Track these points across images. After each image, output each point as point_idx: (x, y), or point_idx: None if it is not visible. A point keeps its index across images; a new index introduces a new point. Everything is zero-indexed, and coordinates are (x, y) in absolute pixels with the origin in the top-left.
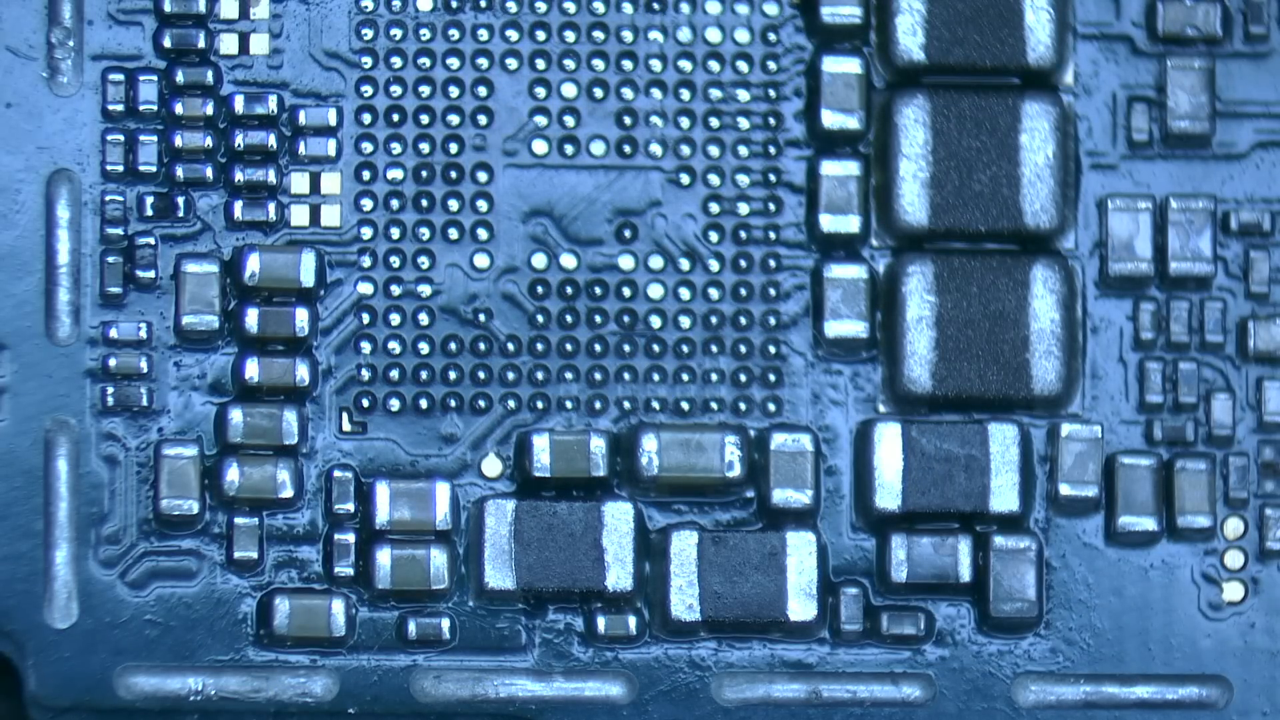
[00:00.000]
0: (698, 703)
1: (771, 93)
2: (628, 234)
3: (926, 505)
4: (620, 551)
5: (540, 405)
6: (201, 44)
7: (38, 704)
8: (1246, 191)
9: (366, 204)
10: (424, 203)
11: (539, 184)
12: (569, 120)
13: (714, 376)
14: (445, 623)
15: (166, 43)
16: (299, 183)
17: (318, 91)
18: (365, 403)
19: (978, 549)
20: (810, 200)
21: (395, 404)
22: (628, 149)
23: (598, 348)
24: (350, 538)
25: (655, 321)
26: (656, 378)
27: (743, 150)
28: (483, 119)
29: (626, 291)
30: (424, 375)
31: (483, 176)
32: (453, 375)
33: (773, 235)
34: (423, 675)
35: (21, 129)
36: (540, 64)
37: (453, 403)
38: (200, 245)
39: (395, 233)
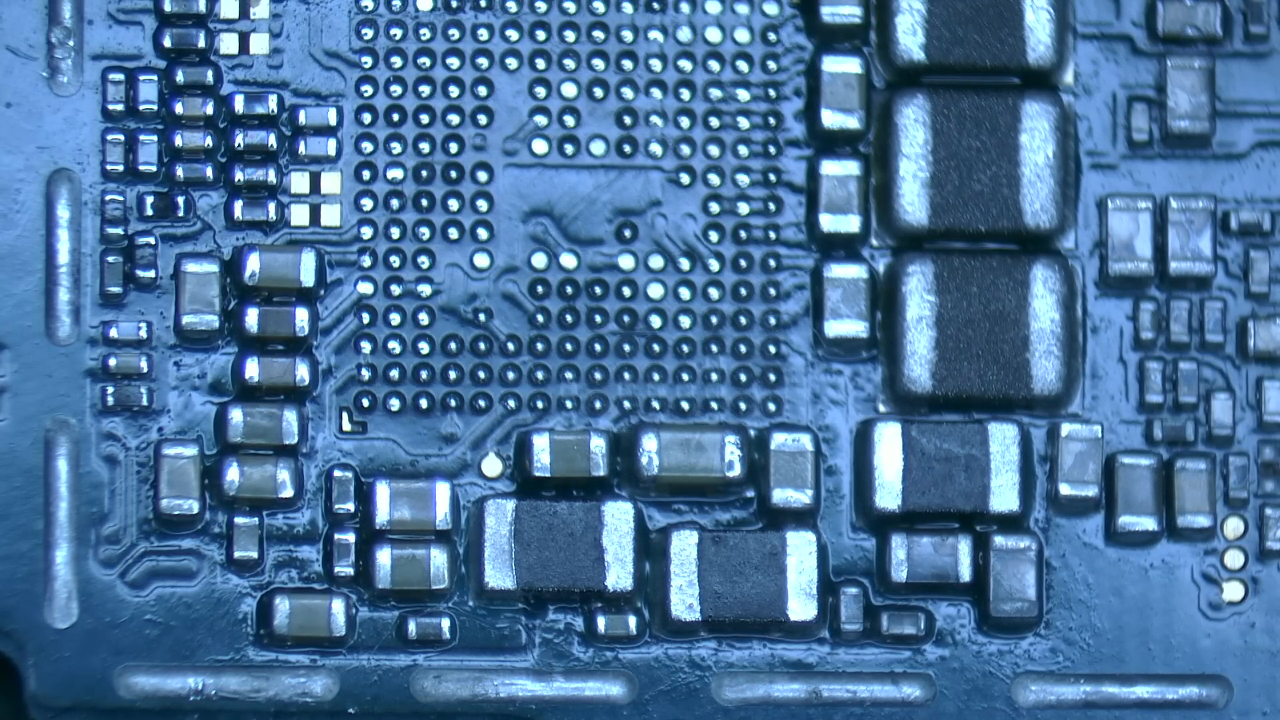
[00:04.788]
0: (698, 703)
1: (771, 92)
2: (628, 234)
3: (926, 505)
4: (620, 551)
5: (540, 405)
6: (201, 44)
7: (38, 704)
8: (1246, 191)
9: (366, 204)
10: (424, 202)
11: (539, 184)
12: (569, 120)
13: (714, 376)
14: (445, 623)
15: (166, 42)
16: (299, 182)
17: (318, 91)
18: (365, 402)
19: (978, 549)
20: (810, 200)
21: (395, 404)
22: (628, 149)
23: (598, 348)
24: (350, 538)
25: (655, 321)
26: (656, 378)
27: (743, 150)
28: (483, 119)
29: (626, 291)
30: (424, 375)
31: (483, 176)
32: (453, 375)
33: (773, 235)
34: (423, 675)
35: (21, 129)
36: (540, 64)
37: (453, 403)
38: (200, 245)
39: (395, 232)
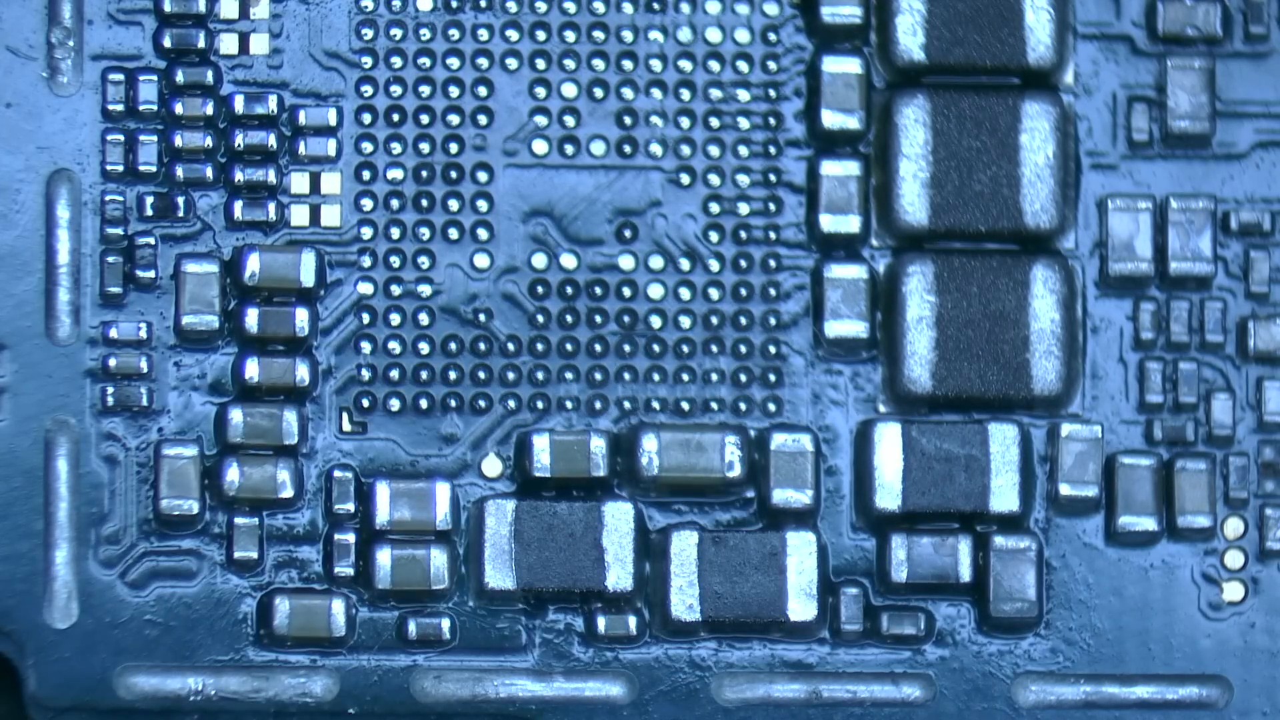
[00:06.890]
0: (698, 703)
1: (771, 93)
2: (628, 234)
3: (926, 505)
4: (620, 551)
5: (540, 405)
6: (201, 44)
7: (38, 704)
8: (1246, 191)
9: (366, 204)
10: (424, 203)
11: (539, 184)
12: (569, 120)
13: (714, 376)
14: (445, 623)
15: (166, 43)
16: (299, 183)
17: (318, 91)
18: (365, 403)
19: (978, 549)
20: (810, 200)
21: (395, 404)
22: (628, 149)
23: (598, 348)
24: (350, 538)
25: (655, 321)
26: (656, 378)
27: (743, 150)
28: (483, 119)
29: (626, 291)
30: (424, 375)
31: (483, 176)
32: (453, 375)
33: (773, 235)
34: (423, 675)
35: (21, 129)
36: (540, 64)
37: (453, 403)
38: (200, 245)
39: (395, 233)
